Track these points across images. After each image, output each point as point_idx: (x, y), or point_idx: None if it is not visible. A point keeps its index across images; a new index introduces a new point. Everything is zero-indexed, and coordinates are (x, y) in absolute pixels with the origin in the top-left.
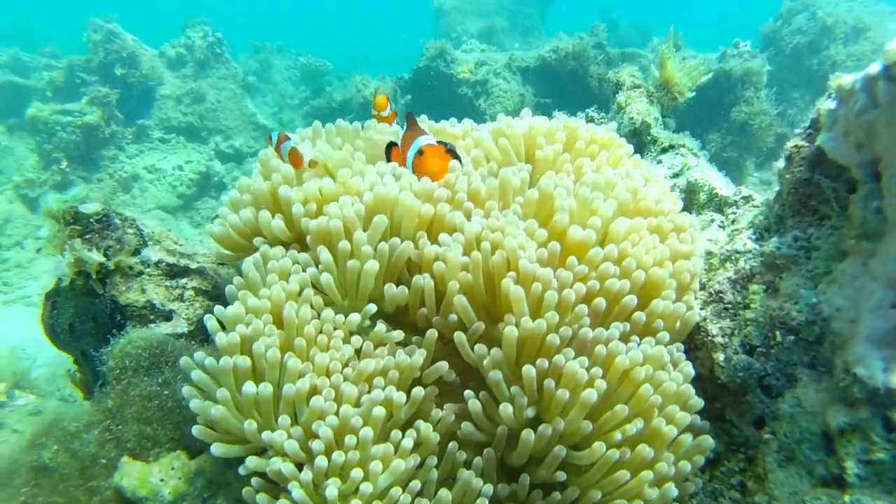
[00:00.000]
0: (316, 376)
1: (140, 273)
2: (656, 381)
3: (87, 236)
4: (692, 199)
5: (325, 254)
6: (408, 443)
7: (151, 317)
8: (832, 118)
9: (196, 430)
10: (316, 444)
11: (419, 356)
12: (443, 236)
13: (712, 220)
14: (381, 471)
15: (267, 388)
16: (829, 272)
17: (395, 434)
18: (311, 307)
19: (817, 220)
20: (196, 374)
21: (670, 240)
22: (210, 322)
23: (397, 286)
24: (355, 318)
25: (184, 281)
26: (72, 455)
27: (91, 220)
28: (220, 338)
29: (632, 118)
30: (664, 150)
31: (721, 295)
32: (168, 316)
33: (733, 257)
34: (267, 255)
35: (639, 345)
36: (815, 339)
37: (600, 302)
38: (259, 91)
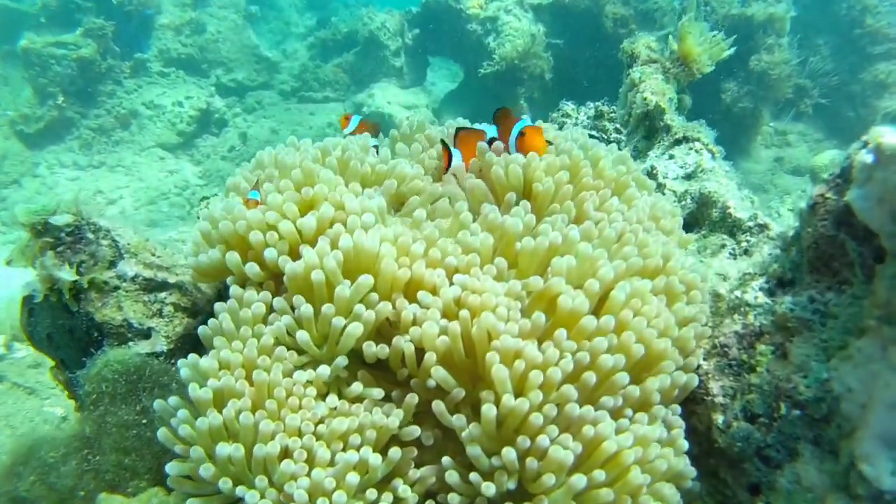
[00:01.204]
0: (287, 437)
1: (116, 288)
2: (646, 460)
3: (60, 249)
4: (704, 214)
5: (305, 307)
6: None
7: (129, 335)
8: (866, 174)
9: (172, 482)
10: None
11: (395, 419)
12: (421, 295)
13: (724, 246)
14: None
15: (239, 451)
16: (844, 346)
17: (371, 494)
18: (287, 353)
19: (837, 284)
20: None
21: (677, 304)
22: (184, 371)
23: (377, 343)
24: (328, 370)
25: (162, 295)
26: (49, 487)
27: (62, 232)
28: (194, 390)
29: (645, 99)
30: (677, 143)
31: (726, 349)
32: (147, 333)
33: (742, 308)
34: (240, 301)
35: (631, 420)
36: (823, 418)
37: (590, 376)
38: (263, 19)
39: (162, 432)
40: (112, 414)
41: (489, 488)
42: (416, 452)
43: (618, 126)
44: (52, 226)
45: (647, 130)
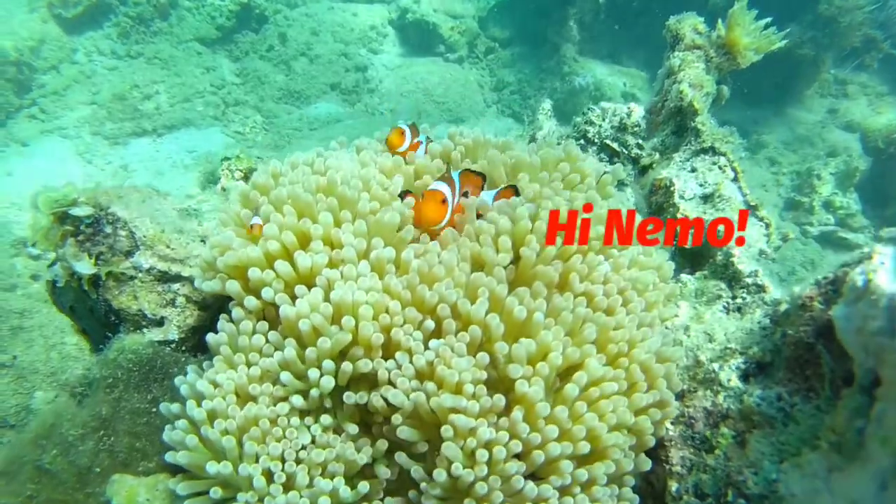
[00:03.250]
0: (269, 460)
1: (132, 278)
2: None
3: (80, 238)
4: (706, 251)
5: (288, 351)
6: None
7: (143, 323)
8: (855, 294)
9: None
10: None
11: (364, 456)
12: (398, 357)
13: (719, 297)
14: None
15: (227, 468)
16: (797, 454)
17: None
18: (274, 387)
19: (806, 391)
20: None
21: (636, 395)
22: (184, 388)
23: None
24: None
25: (175, 286)
26: (69, 462)
27: (82, 223)
28: (191, 408)
29: (681, 92)
30: (703, 151)
31: (693, 422)
32: (160, 322)
33: (715, 387)
34: (239, 328)
35: (575, 498)
36: None
37: (538, 456)
38: None
39: (167, 435)
40: (126, 400)
41: None
42: (384, 484)
43: (640, 142)
44: (71, 216)
45: (678, 127)
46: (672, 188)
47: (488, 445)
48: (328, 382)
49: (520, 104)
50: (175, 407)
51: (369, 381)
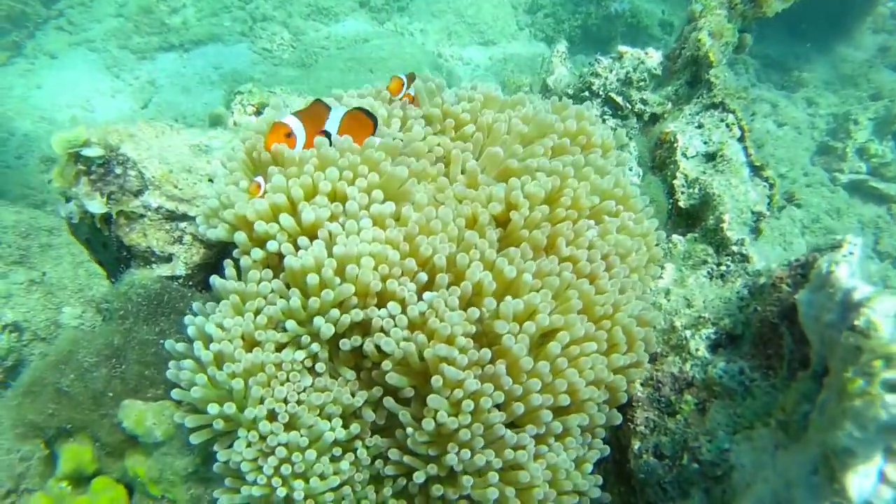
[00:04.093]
0: (274, 402)
1: (142, 216)
2: (554, 481)
3: (92, 177)
4: (701, 212)
5: (293, 301)
6: (344, 465)
7: (152, 259)
8: (819, 282)
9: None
10: (271, 460)
11: (360, 399)
12: (390, 307)
13: (705, 262)
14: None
15: (231, 408)
16: (751, 427)
17: (336, 451)
18: (278, 334)
19: (766, 369)
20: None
21: (614, 355)
22: (191, 329)
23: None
24: (302, 355)
25: (183, 225)
26: (85, 386)
27: (94, 164)
28: (199, 349)
29: (699, 40)
30: (713, 107)
31: (660, 385)
32: (168, 258)
33: (684, 354)
34: (245, 279)
35: (550, 448)
36: (715, 478)
37: (518, 407)
38: None
39: (172, 373)
40: (136, 331)
41: (420, 477)
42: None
43: (643, 97)
44: (84, 158)
45: (692, 77)
46: (675, 144)
47: (474, 396)
48: (328, 330)
49: (553, 28)
50: (181, 346)
51: (363, 328)
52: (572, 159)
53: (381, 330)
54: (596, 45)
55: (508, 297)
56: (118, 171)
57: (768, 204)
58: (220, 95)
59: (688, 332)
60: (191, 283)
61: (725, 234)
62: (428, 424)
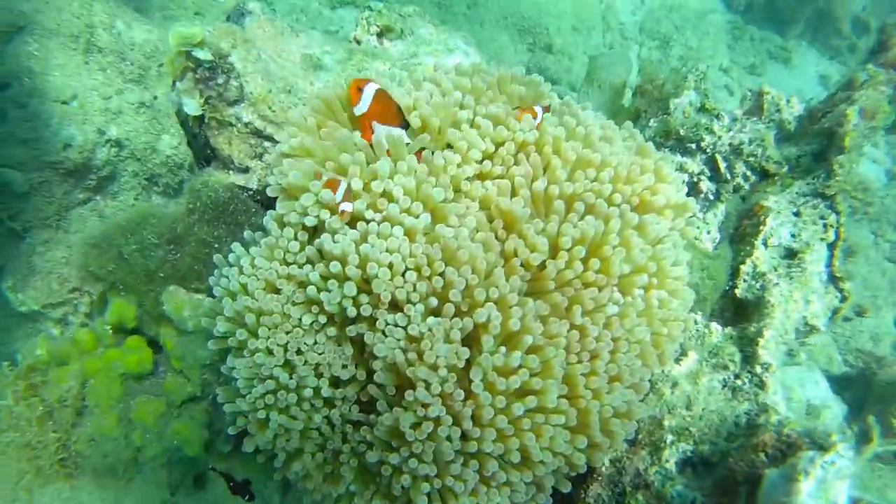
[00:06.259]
0: (276, 345)
1: (231, 125)
2: None
3: (197, 76)
4: (751, 311)
5: (314, 275)
6: (318, 418)
7: (231, 166)
8: (789, 475)
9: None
10: (260, 387)
11: (346, 374)
12: (398, 316)
13: (727, 367)
14: None
15: (242, 335)
16: None
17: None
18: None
19: None
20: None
21: (582, 440)
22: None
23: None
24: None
25: (266, 144)
26: (143, 260)
27: (202, 66)
28: (233, 276)
29: (845, 115)
30: (819, 196)
31: (623, 471)
32: (245, 170)
33: (654, 458)
34: (282, 234)
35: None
36: None
37: (471, 445)
38: None
39: (212, 280)
40: (197, 227)
41: (373, 456)
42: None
43: (746, 172)
44: (193, 57)
45: (820, 150)
46: (762, 226)
47: (436, 421)
48: (337, 310)
49: None
50: (231, 258)
51: (371, 321)
52: (623, 215)
53: (383, 332)
54: (773, 23)
55: (489, 354)
56: (220, 80)
57: (831, 317)
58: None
59: (669, 438)
60: (258, 198)
61: (758, 350)
62: (386, 420)
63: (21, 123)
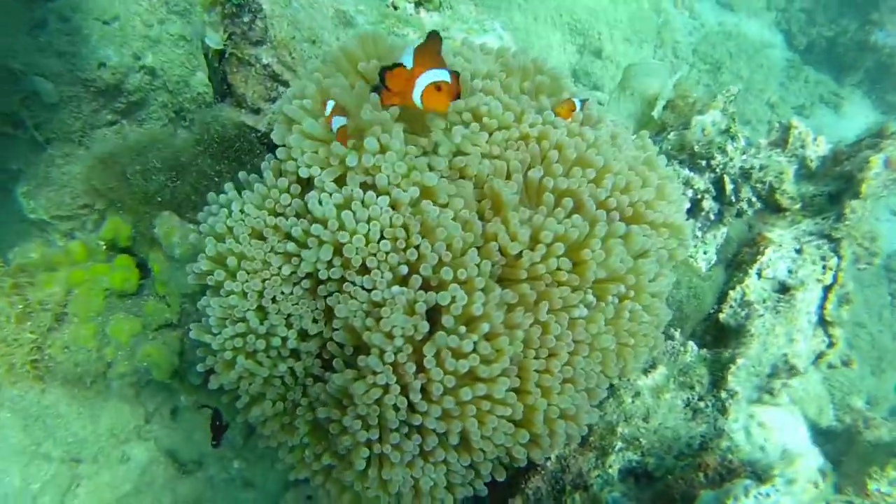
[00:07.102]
0: (251, 289)
1: (250, 65)
2: (418, 490)
3: (226, 10)
4: (731, 337)
5: (296, 230)
6: (283, 367)
7: (244, 105)
8: (723, 499)
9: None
10: (231, 329)
11: (315, 328)
12: (365, 279)
13: (692, 388)
14: None
15: (220, 275)
16: None
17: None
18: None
19: None
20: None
21: (524, 434)
22: (222, 197)
23: None
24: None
25: (281, 89)
26: (143, 182)
27: (231, 2)
28: (223, 217)
29: (868, 162)
30: (825, 237)
31: (566, 469)
32: (256, 111)
33: (599, 461)
34: (276, 185)
35: None
36: None
37: (415, 419)
38: None
39: (201, 216)
40: (201, 160)
41: (323, 413)
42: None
43: (751, 198)
44: None
45: (837, 192)
46: (760, 256)
47: (384, 389)
48: (312, 269)
49: (801, 26)
50: (222, 198)
51: (340, 283)
52: (611, 222)
53: (350, 294)
54: (831, 66)
55: (444, 333)
56: (246, 18)
57: (814, 360)
58: None
59: (618, 445)
60: (265, 141)
61: (727, 376)
62: (338, 380)
63: (61, 36)
